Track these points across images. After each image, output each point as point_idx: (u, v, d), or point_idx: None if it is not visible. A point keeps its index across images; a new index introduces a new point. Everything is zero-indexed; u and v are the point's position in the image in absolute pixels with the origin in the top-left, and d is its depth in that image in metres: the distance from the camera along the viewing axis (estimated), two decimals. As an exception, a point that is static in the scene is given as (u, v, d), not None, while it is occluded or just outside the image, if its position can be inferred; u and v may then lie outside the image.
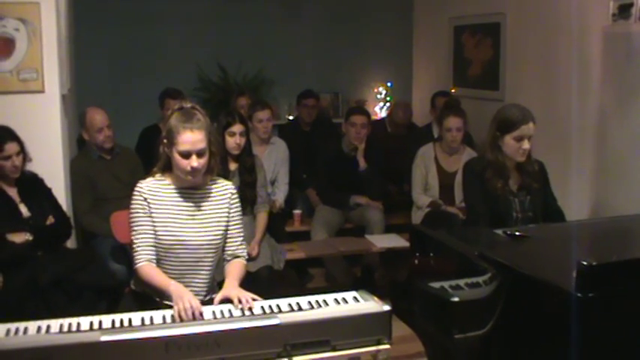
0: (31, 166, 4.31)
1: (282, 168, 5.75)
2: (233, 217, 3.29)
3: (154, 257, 3.15)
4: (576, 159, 5.17)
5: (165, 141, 3.14)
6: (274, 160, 5.69)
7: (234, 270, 3.22)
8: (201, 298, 3.18)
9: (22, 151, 4.18)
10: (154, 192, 3.17)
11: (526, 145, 3.77)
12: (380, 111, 7.88)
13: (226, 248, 3.30)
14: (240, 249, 3.32)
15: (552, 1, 5.54)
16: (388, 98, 7.92)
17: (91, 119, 5.01)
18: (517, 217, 3.85)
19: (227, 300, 2.93)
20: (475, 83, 6.85)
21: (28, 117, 4.42)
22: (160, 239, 3.15)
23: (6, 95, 4.42)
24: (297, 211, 5.82)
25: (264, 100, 6.44)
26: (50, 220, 4.30)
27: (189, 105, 3.17)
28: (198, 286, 3.24)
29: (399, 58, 8.06)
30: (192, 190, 3.22)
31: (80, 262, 4.28)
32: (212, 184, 3.27)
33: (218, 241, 3.24)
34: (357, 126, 5.61)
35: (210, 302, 3.05)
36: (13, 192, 4.22)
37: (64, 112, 4.67)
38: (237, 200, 3.32)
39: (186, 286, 3.12)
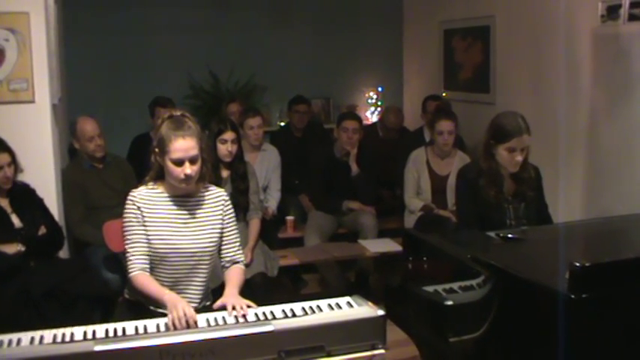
0: (23, 177, 4.30)
1: (274, 174, 5.75)
2: (228, 223, 3.30)
3: (147, 266, 3.14)
4: (567, 160, 5.18)
5: (156, 150, 3.14)
6: (266, 166, 5.68)
7: (234, 277, 3.22)
8: (195, 305, 3.18)
9: (14, 161, 4.17)
10: (147, 200, 3.17)
11: (519, 157, 3.74)
12: (371, 116, 7.88)
13: (224, 255, 3.30)
14: (238, 254, 3.33)
15: (541, 3, 5.57)
16: (379, 103, 7.92)
17: (81, 128, 4.99)
18: (511, 224, 3.83)
19: (224, 307, 2.93)
20: (466, 86, 6.87)
21: (18, 127, 4.40)
22: (154, 247, 3.14)
23: (-4, 105, 4.41)
24: (289, 218, 5.81)
25: (255, 106, 6.44)
26: (42, 230, 4.29)
27: (178, 113, 3.17)
28: (192, 294, 3.24)
29: (389, 63, 8.07)
30: (186, 198, 3.22)
31: (73, 271, 4.26)
32: (205, 192, 3.28)
33: (212, 249, 3.24)
34: (348, 131, 5.60)
35: (204, 309, 3.04)
36: (4, 203, 4.21)
37: (54, 122, 4.65)
38: (230, 207, 3.33)
39: (181, 294, 3.13)
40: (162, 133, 3.09)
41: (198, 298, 3.26)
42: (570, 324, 2.46)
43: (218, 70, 7.24)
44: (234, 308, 2.86)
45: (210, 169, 3.34)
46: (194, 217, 3.21)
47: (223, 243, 3.28)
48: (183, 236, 3.17)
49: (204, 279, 3.27)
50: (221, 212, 3.27)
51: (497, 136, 3.79)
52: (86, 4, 6.58)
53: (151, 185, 3.22)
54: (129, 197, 3.19)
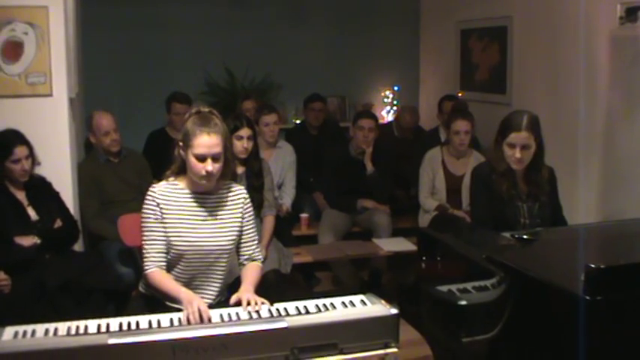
0: (39, 170, 4.33)
1: (289, 172, 5.75)
2: (247, 221, 3.30)
3: (164, 264, 3.15)
4: (584, 163, 5.16)
5: (180, 144, 3.14)
6: (281, 163, 5.69)
7: (251, 274, 3.22)
8: (210, 302, 3.18)
9: (31, 154, 4.20)
10: (167, 197, 3.17)
11: (517, 154, 3.71)
12: (387, 115, 7.88)
13: (242, 252, 3.30)
14: (257, 252, 3.33)
15: (559, 4, 5.54)
16: (395, 102, 7.92)
17: (97, 123, 5.02)
18: (524, 222, 3.81)
19: (239, 302, 2.93)
20: (482, 87, 6.85)
21: (36, 121, 4.43)
22: (172, 244, 3.14)
23: (14, 99, 4.43)
24: (304, 215, 5.81)
25: (271, 104, 6.45)
26: (58, 223, 4.32)
27: (206, 109, 3.16)
28: (209, 291, 3.25)
29: (406, 62, 8.06)
30: (206, 196, 3.21)
31: (88, 265, 4.29)
32: (225, 190, 3.27)
33: (231, 247, 3.24)
34: (364, 130, 5.61)
35: (218, 305, 3.04)
36: (21, 195, 4.24)
37: (71, 116, 4.68)
38: (250, 205, 3.32)
39: (197, 290, 3.14)
40: (187, 127, 3.09)
41: (215, 295, 3.26)
42: (585, 326, 2.45)
43: (234, 67, 7.25)
44: (248, 304, 2.86)
45: (234, 168, 3.34)
46: (214, 216, 3.21)
47: (242, 241, 3.28)
48: (202, 234, 3.17)
49: (221, 276, 3.27)
50: (241, 211, 3.27)
51: (501, 131, 3.81)
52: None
53: (171, 180, 3.22)
54: (149, 192, 3.19)
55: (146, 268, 3.14)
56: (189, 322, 2.74)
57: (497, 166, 3.83)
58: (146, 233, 3.15)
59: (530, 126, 3.72)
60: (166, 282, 3.10)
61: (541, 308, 2.73)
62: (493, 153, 3.90)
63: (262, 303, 2.89)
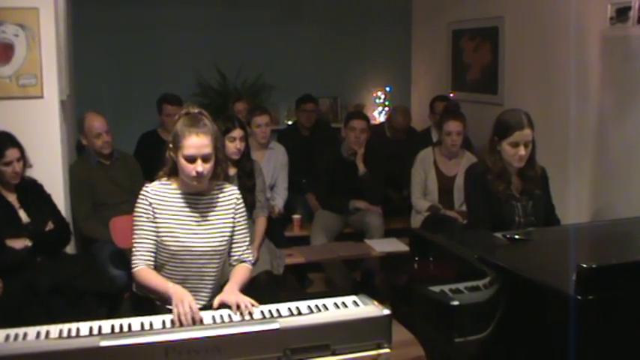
0: (31, 172, 4.32)
1: (281, 173, 5.75)
2: (239, 222, 3.29)
3: (151, 262, 3.14)
4: (575, 162, 5.17)
5: (171, 145, 3.14)
6: (273, 165, 5.69)
7: (238, 275, 3.21)
8: (204, 302, 3.18)
9: (23, 157, 4.19)
10: (160, 196, 3.17)
11: (522, 151, 3.74)
12: (379, 115, 7.87)
13: (232, 253, 3.29)
14: (246, 254, 3.32)
15: (550, 4, 5.55)
16: (387, 103, 7.92)
17: (89, 125, 5.01)
18: (519, 221, 3.83)
19: (225, 304, 2.93)
20: (474, 87, 6.85)
21: (27, 123, 4.43)
22: (164, 245, 3.14)
23: (5, 101, 4.43)
24: (296, 216, 5.81)
25: (263, 105, 6.44)
26: (50, 225, 4.31)
27: (196, 110, 3.16)
28: (202, 292, 3.24)
29: (397, 63, 8.06)
30: (198, 197, 3.21)
31: (79, 267, 4.27)
32: (217, 190, 3.26)
33: (223, 248, 3.24)
34: (356, 130, 5.60)
35: (205, 308, 3.04)
36: (12, 198, 4.23)
37: (63, 118, 4.67)
38: (242, 205, 3.32)
39: (191, 291, 3.12)
40: (177, 128, 3.09)
41: (208, 296, 3.25)
42: (577, 325, 2.45)
43: (226, 69, 7.23)
44: (238, 307, 2.85)
45: (226, 169, 3.34)
46: (206, 217, 3.20)
47: (232, 241, 3.28)
48: (195, 235, 3.16)
49: (213, 277, 3.26)
50: (233, 212, 3.26)
51: (500, 131, 3.81)
52: (95, 1, 6.59)
53: (164, 180, 3.22)
54: (142, 191, 3.18)
55: (134, 265, 3.13)
56: (180, 322, 2.74)
57: (494, 166, 3.83)
58: (137, 231, 3.15)
59: (530, 122, 3.77)
60: (154, 279, 3.09)
61: (533, 308, 2.73)
62: (489, 154, 3.90)
63: (251, 304, 2.88)
